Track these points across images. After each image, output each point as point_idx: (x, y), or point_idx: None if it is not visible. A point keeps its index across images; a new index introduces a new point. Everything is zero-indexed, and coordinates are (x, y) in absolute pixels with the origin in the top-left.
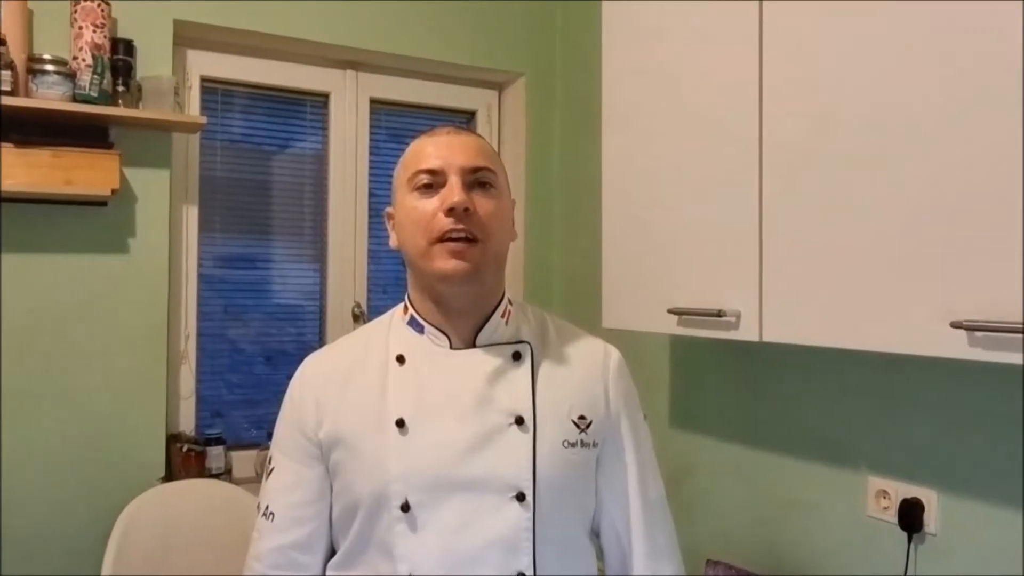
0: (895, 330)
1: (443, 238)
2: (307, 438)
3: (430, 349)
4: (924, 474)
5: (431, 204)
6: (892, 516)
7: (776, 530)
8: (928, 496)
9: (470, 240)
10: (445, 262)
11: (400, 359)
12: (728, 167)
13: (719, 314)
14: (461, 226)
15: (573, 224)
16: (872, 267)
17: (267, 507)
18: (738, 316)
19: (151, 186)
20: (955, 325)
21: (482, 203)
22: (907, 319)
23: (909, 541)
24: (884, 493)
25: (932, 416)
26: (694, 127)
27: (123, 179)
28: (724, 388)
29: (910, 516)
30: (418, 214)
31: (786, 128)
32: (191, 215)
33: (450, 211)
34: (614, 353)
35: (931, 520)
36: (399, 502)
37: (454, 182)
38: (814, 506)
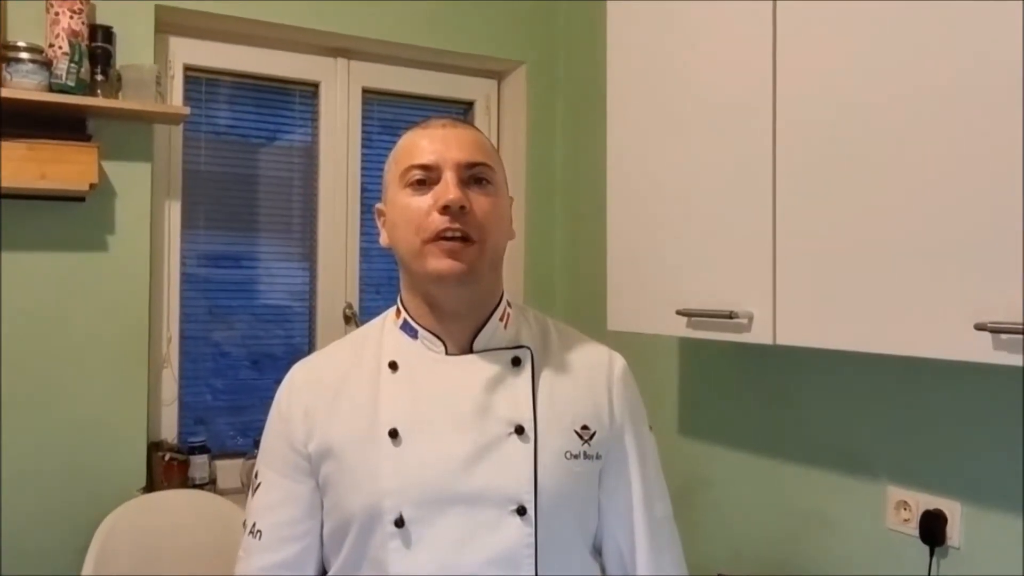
0: (916, 333)
1: (437, 237)
2: (296, 451)
3: (424, 355)
4: (947, 484)
5: (424, 201)
6: (913, 528)
7: (790, 544)
8: (951, 507)
9: (465, 240)
10: (439, 262)
11: (393, 366)
12: (740, 160)
13: (731, 315)
14: (456, 225)
15: (576, 221)
16: (891, 266)
17: (254, 525)
18: (750, 318)
19: (131, 180)
20: (979, 327)
21: (478, 201)
22: (929, 321)
23: (931, 555)
24: (905, 504)
25: (955, 423)
26: (704, 118)
27: (102, 173)
28: (735, 394)
29: (932, 528)
30: (411, 212)
31: (801, 120)
32: (174, 211)
33: (444, 209)
34: (619, 361)
35: (954, 533)
36: (393, 517)
37: (449, 178)
38: (831, 518)
